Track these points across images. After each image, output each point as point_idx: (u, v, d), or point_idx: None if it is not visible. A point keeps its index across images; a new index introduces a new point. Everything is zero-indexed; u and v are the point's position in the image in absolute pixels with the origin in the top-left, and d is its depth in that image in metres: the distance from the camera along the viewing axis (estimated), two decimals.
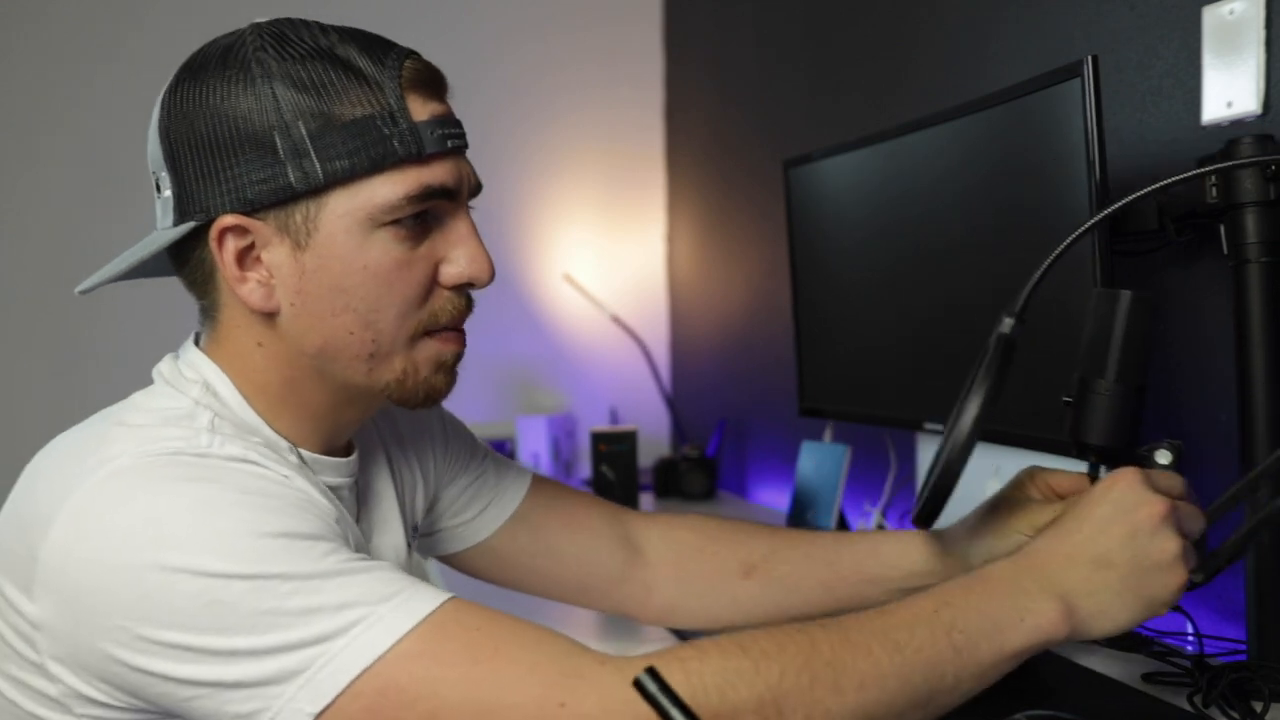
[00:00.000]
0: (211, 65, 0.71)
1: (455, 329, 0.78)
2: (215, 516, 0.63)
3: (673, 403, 2.53)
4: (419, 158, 0.70)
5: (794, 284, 1.56)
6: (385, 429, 0.91)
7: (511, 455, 2.26)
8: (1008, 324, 0.81)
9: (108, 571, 0.62)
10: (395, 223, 0.71)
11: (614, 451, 1.60)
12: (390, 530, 0.87)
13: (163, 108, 0.72)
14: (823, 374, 1.51)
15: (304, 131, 0.68)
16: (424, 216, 0.72)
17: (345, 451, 0.81)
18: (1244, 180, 0.92)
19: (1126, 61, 1.14)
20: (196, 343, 0.78)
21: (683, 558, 1.01)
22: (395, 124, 0.69)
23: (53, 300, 2.02)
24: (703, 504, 2.04)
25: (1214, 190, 0.95)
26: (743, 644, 0.64)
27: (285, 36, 0.71)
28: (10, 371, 2.01)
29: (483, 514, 0.98)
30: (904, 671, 0.64)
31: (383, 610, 0.62)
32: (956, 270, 1.18)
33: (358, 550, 0.70)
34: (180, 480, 0.65)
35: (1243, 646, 0.95)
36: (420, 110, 0.71)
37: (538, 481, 1.01)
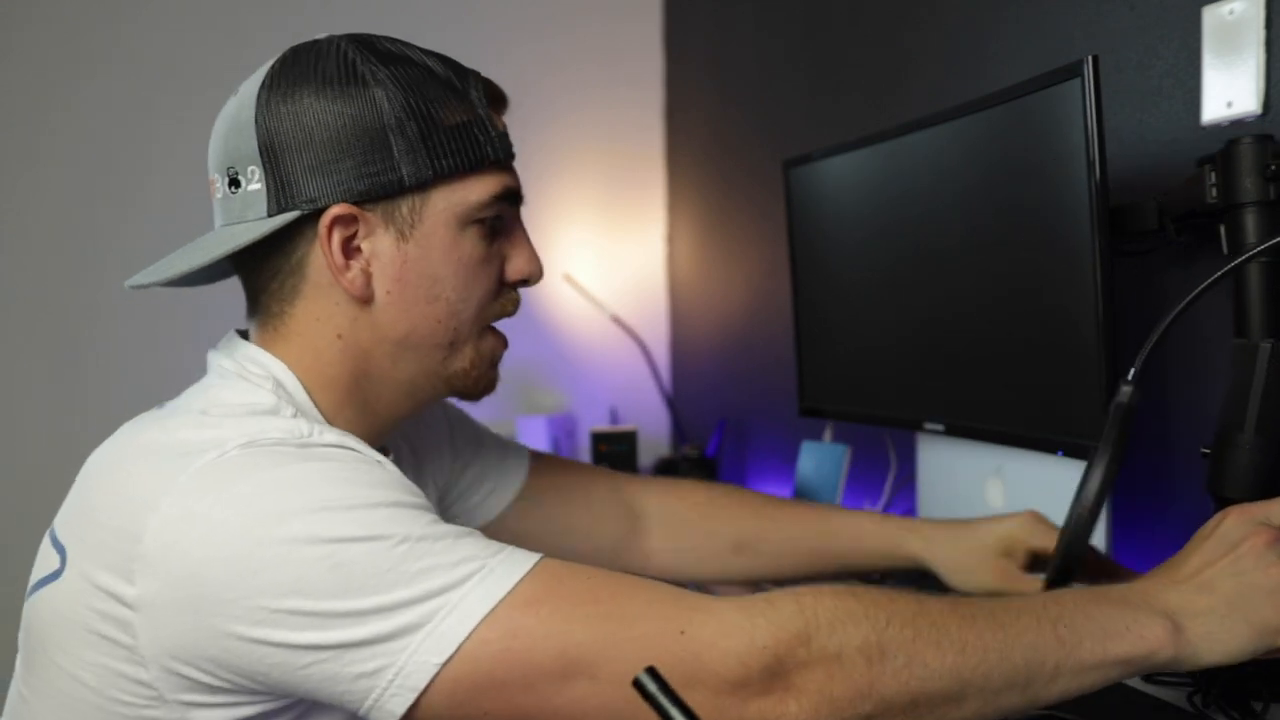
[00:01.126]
0: (312, 69, 0.76)
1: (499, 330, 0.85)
2: (329, 488, 0.66)
3: (673, 403, 2.53)
4: (502, 164, 0.80)
5: (794, 284, 1.56)
6: (400, 430, 0.94)
7: None
8: (1125, 392, 0.80)
9: (225, 546, 0.64)
10: (480, 221, 0.79)
11: (614, 451, 1.60)
12: None
13: (259, 107, 0.75)
14: (823, 374, 1.51)
15: (416, 131, 0.75)
16: (497, 219, 0.80)
17: (384, 453, 0.84)
18: (1244, 180, 0.92)
19: (1126, 61, 1.14)
20: (245, 338, 0.81)
21: (678, 530, 1.10)
22: (486, 132, 0.78)
23: (53, 300, 2.02)
24: None
25: (1214, 190, 0.95)
26: (855, 592, 0.67)
27: (377, 47, 0.78)
28: (10, 371, 2.01)
29: (490, 497, 1.04)
30: (1005, 648, 0.65)
31: (494, 563, 0.65)
32: (956, 270, 1.18)
33: None
34: (291, 461, 0.68)
35: None
36: (498, 122, 0.81)
37: (537, 460, 1.08)
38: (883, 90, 1.65)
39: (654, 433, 2.53)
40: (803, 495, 1.63)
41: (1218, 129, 1.03)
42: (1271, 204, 0.91)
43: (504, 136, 0.80)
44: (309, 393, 0.77)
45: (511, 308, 0.84)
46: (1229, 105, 1.01)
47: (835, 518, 1.09)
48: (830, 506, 1.18)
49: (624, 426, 1.65)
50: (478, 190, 0.78)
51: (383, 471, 0.71)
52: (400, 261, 0.77)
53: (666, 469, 2.12)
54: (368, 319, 0.77)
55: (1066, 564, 0.81)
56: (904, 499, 1.51)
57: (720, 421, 2.21)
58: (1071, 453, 1.03)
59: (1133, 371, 0.81)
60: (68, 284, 2.02)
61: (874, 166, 1.33)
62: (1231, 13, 1.01)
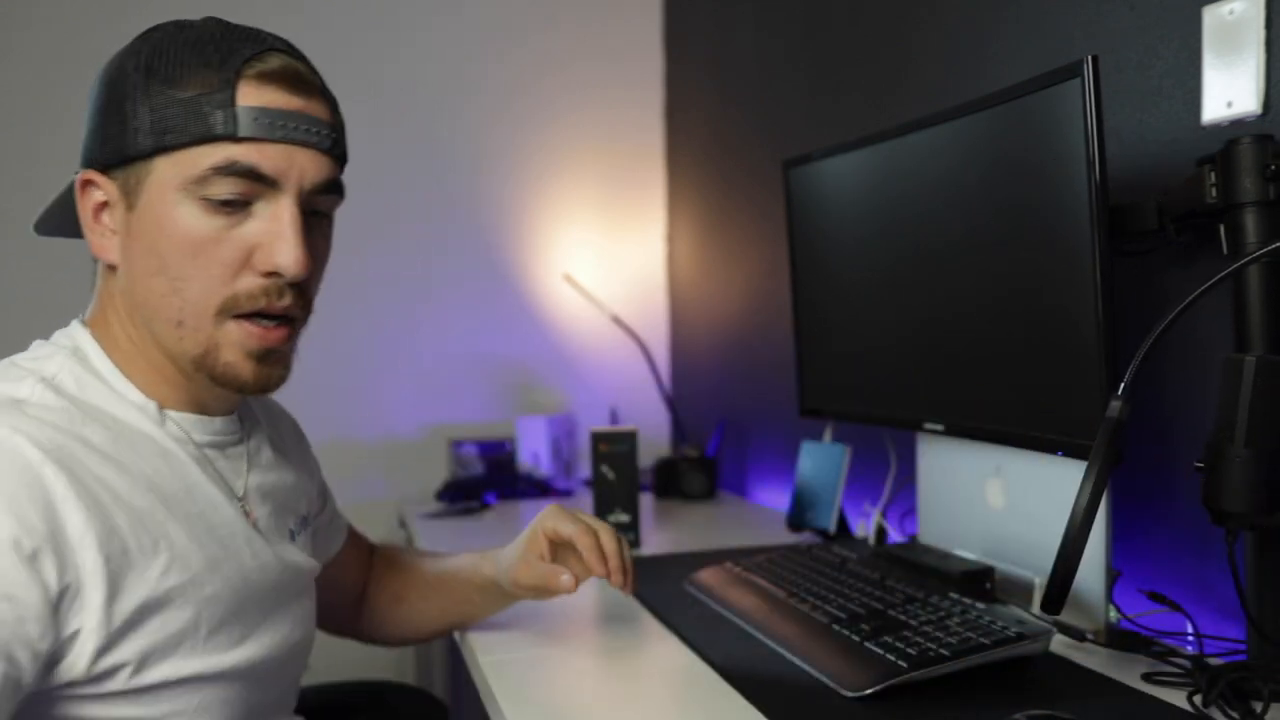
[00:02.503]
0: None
1: (268, 318, 0.80)
2: None
3: (673, 403, 2.53)
4: (234, 137, 0.75)
5: (794, 284, 1.56)
6: (270, 429, 0.99)
7: (512, 455, 2.26)
8: (1114, 407, 0.81)
9: None
10: (206, 198, 0.76)
11: (614, 451, 1.60)
12: (287, 489, 0.95)
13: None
14: (823, 374, 1.51)
15: (148, 104, 0.75)
16: (244, 201, 0.77)
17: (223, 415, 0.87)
18: (1244, 180, 0.92)
19: (1126, 61, 1.14)
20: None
21: (372, 591, 1.19)
22: (219, 105, 0.75)
23: (51, 300, 2.01)
24: (703, 504, 2.04)
25: (1214, 190, 0.95)
26: None
27: (177, 23, 0.80)
28: None
29: (316, 550, 1.06)
30: None
31: None
32: (956, 270, 1.18)
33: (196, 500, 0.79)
34: None
35: (1243, 646, 0.95)
36: (251, 97, 0.76)
37: (351, 534, 1.18)
38: (883, 90, 1.65)
39: (654, 433, 2.53)
40: (803, 495, 1.63)
41: (1218, 129, 1.03)
42: (1271, 204, 0.91)
43: (254, 112, 0.76)
44: (114, 362, 0.80)
45: (263, 299, 0.79)
46: (1229, 105, 1.01)
47: (452, 569, 1.16)
48: (465, 555, 1.20)
49: (624, 427, 1.65)
50: (198, 163, 0.75)
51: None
52: (127, 231, 0.78)
53: (666, 469, 2.12)
54: (121, 285, 0.80)
55: (1058, 583, 0.81)
56: (904, 499, 1.51)
57: (720, 421, 2.21)
58: (1071, 453, 1.03)
59: (1123, 386, 0.81)
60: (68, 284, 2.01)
61: (874, 166, 1.33)
62: (1231, 13, 1.01)
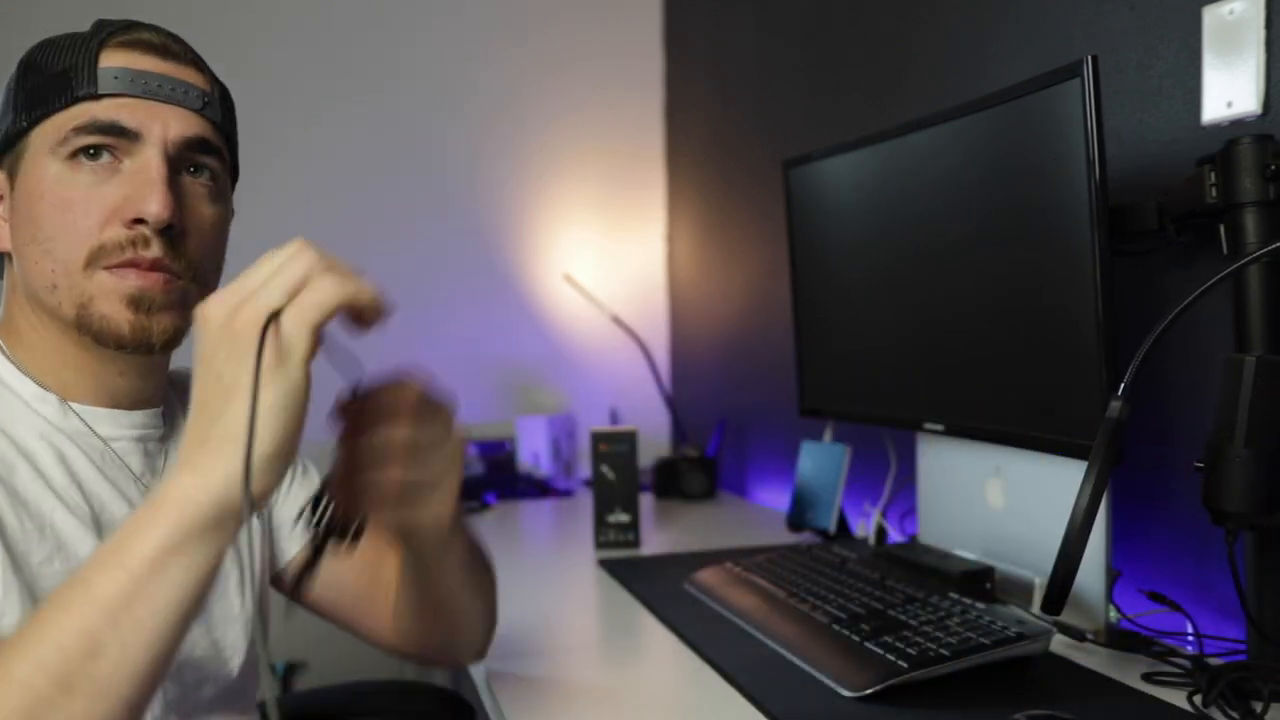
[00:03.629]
0: None
1: (136, 266, 0.78)
2: None
3: (673, 403, 2.53)
4: (93, 96, 0.78)
5: (794, 284, 1.56)
6: None
7: (512, 455, 2.26)
8: (1114, 407, 0.81)
9: None
10: (73, 157, 0.77)
11: (614, 451, 1.60)
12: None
13: None
14: (823, 374, 1.51)
15: (24, 88, 0.79)
16: (106, 154, 0.78)
17: (140, 408, 0.85)
18: (1244, 180, 0.92)
19: (1126, 61, 1.14)
20: None
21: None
22: (82, 70, 0.78)
23: None
24: (702, 504, 2.04)
25: (1213, 190, 0.95)
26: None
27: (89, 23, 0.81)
28: None
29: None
30: (76, 600, 0.60)
31: None
32: (956, 270, 1.18)
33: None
34: None
35: (1243, 646, 0.95)
36: (111, 60, 0.79)
37: None
38: (883, 90, 1.65)
39: (654, 433, 2.53)
40: (803, 495, 1.63)
41: (1218, 129, 1.03)
42: (1271, 204, 0.91)
43: (113, 72, 0.78)
44: (12, 355, 0.81)
45: (130, 249, 0.77)
46: (1229, 105, 1.01)
47: None
48: None
49: (624, 427, 1.65)
50: (62, 126, 0.78)
51: None
52: (10, 210, 0.80)
53: (666, 469, 2.12)
54: (17, 272, 0.81)
55: (1058, 583, 0.81)
56: (904, 499, 1.51)
57: (720, 421, 2.21)
58: (1071, 453, 1.03)
59: (1123, 386, 0.81)
60: None
61: (874, 166, 1.33)
62: (1231, 13, 1.01)
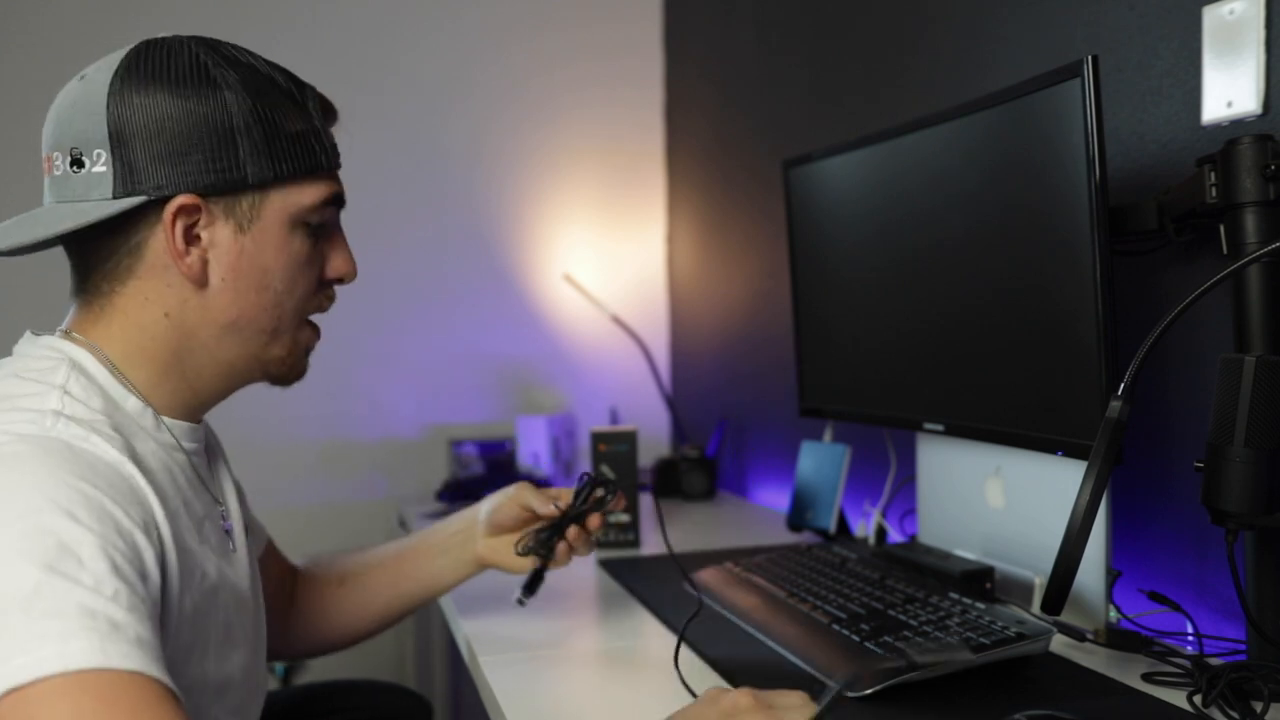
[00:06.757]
0: (165, 66, 0.81)
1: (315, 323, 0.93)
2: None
3: (673, 403, 2.53)
4: (331, 172, 0.88)
5: (794, 284, 1.56)
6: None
7: (512, 455, 2.26)
8: (1114, 407, 0.81)
9: None
10: (308, 223, 0.87)
11: (614, 451, 1.60)
12: (231, 498, 0.96)
13: (111, 95, 0.79)
14: (823, 374, 1.51)
15: (261, 135, 0.82)
16: (321, 223, 0.89)
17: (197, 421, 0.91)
18: (1244, 180, 0.92)
19: (1126, 61, 1.14)
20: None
21: (300, 588, 1.18)
22: (321, 142, 0.87)
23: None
24: (702, 504, 2.04)
25: (1213, 190, 0.95)
26: None
27: (224, 52, 0.84)
28: None
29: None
30: None
31: (77, 643, 0.60)
32: (956, 270, 1.18)
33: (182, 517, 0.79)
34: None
35: (1243, 646, 0.95)
36: (329, 134, 0.89)
37: (269, 546, 1.14)
38: (883, 90, 1.65)
39: (654, 433, 2.53)
40: (803, 495, 1.63)
41: (1218, 129, 1.03)
42: (1271, 204, 0.91)
43: (334, 148, 0.89)
44: (119, 369, 0.82)
45: (327, 303, 0.93)
46: (1229, 105, 1.01)
47: (415, 549, 1.20)
48: (414, 545, 1.22)
49: (624, 427, 1.65)
50: (311, 194, 0.86)
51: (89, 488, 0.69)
52: (237, 252, 0.83)
53: (666, 469, 2.12)
54: (199, 301, 0.83)
55: (1058, 584, 0.81)
56: (904, 499, 1.51)
57: (720, 421, 2.21)
58: (1071, 453, 1.03)
59: (1123, 386, 0.81)
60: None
61: (874, 166, 1.33)
62: (1231, 13, 1.01)
